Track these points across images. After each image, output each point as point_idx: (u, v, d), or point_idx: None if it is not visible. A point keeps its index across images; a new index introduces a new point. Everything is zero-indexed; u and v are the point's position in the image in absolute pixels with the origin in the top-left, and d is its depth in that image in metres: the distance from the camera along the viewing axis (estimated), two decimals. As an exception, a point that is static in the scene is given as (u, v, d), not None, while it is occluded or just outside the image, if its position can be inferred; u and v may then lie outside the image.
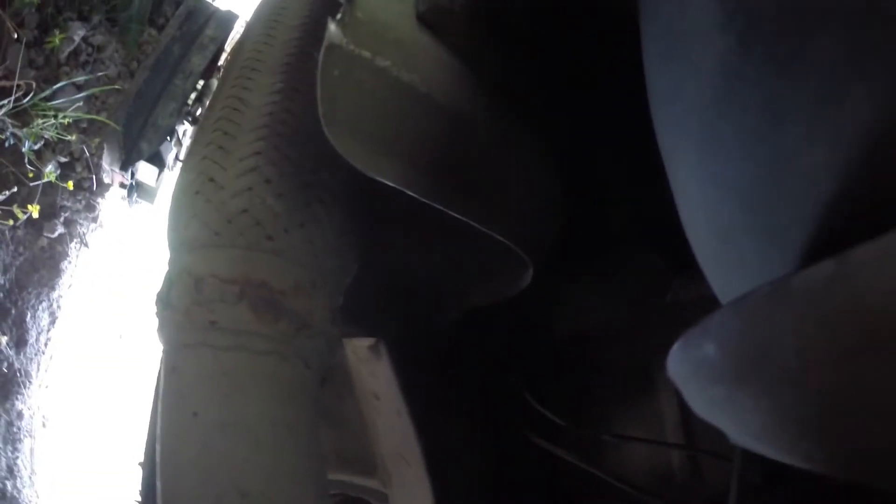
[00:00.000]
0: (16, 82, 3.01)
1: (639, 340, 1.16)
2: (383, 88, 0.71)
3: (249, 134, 0.76)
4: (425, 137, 0.75)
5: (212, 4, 3.65)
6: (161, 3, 3.61)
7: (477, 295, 1.01)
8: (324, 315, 0.74)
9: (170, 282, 0.71)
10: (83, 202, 3.82)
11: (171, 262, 0.74)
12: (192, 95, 3.50)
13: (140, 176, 3.71)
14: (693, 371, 0.42)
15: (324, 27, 0.68)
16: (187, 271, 0.69)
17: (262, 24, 0.91)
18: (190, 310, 0.68)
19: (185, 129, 3.57)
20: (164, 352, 0.70)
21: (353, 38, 0.69)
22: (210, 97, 0.89)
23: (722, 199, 0.44)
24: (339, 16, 0.69)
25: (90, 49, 3.43)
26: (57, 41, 3.11)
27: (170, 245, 0.76)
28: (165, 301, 0.71)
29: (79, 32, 3.19)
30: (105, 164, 3.64)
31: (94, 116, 3.16)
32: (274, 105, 0.78)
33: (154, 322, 0.73)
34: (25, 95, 3.15)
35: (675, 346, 0.42)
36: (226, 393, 0.64)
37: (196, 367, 0.66)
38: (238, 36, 3.69)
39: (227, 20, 3.55)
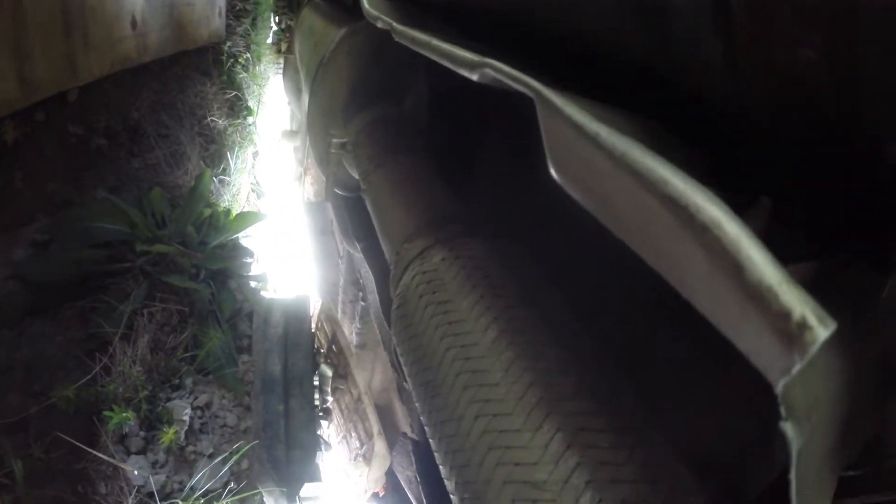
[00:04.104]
0: None
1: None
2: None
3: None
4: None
5: (278, 299, 3.40)
6: (236, 327, 3.39)
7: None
8: None
9: None
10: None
11: None
12: (315, 395, 3.20)
13: (305, 494, 3.42)
14: None
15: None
16: None
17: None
18: None
19: (325, 426, 3.26)
20: None
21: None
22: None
23: None
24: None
25: (199, 412, 3.19)
26: (171, 434, 2.86)
27: None
28: None
29: (186, 412, 2.96)
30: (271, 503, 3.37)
31: (244, 494, 2.87)
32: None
33: None
34: None
35: None
36: None
37: None
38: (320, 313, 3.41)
39: (302, 306, 3.29)
